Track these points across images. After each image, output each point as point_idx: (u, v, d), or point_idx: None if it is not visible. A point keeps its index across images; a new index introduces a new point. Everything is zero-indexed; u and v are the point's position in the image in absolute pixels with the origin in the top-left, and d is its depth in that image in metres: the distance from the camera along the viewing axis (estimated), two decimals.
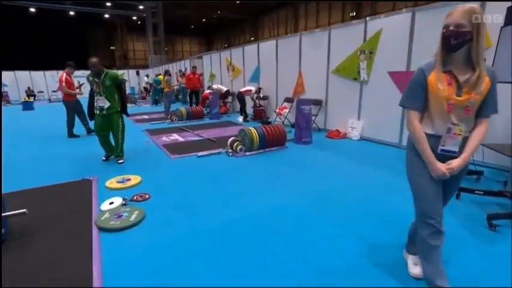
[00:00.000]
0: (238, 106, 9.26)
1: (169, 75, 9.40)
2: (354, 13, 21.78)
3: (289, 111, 7.44)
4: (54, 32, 29.50)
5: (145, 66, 27.15)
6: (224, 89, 9.87)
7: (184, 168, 4.38)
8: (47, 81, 19.60)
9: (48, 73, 19.76)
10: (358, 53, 5.73)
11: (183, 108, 8.71)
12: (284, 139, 5.32)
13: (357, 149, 5.38)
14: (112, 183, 3.70)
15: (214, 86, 9.81)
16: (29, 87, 18.57)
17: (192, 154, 5.00)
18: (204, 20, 35.52)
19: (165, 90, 9.50)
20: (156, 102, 13.64)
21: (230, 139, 5.08)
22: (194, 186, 3.65)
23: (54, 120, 9.89)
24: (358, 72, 5.79)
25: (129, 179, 3.81)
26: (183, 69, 14.67)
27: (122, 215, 2.82)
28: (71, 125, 6.78)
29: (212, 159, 4.78)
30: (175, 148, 5.46)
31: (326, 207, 2.97)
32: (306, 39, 7.00)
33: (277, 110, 7.48)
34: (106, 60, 37.21)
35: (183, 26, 37.82)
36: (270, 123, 7.85)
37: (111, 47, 37.82)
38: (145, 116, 10.07)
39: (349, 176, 3.86)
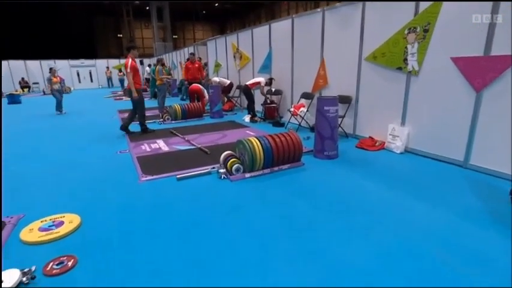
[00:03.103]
0: (246, 102, 7.98)
1: (163, 65, 8.19)
2: None
3: (307, 110, 6.08)
4: (53, 18, 28.76)
5: (152, 55, 26.24)
6: (227, 81, 8.60)
7: (152, 199, 3.16)
8: (43, 71, 18.91)
9: (44, 63, 19.09)
10: (406, 32, 4.29)
11: (177, 105, 7.49)
12: (300, 153, 4.00)
13: (403, 168, 3.99)
14: (31, 231, 2.52)
15: (216, 79, 8.57)
16: (23, 78, 17.95)
17: (171, 174, 3.77)
18: (216, 4, 34.20)
19: (157, 82, 8.31)
20: (155, 95, 12.50)
21: (223, 154, 3.80)
22: (156, 238, 2.41)
23: (34, 116, 8.95)
24: (405, 59, 4.35)
25: (60, 223, 2.62)
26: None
27: None
28: (130, 119, 6.17)
29: (196, 184, 3.53)
30: (152, 163, 4.25)
31: None
32: (330, 16, 5.57)
33: (292, 109, 6.13)
34: (114, 48, 36.67)
35: (194, 12, 36.61)
36: (283, 124, 6.57)
37: (119, 35, 37.15)
38: None
39: (403, 225, 2.50)
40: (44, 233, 2.48)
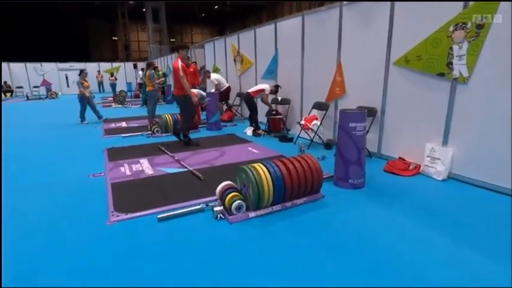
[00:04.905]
0: (247, 112, 7.21)
1: (155, 68, 7.46)
2: None
3: (321, 123, 5.29)
4: (42, 20, 28.03)
5: (147, 58, 25.57)
6: (226, 84, 7.89)
7: (121, 252, 2.34)
8: (28, 74, 18.17)
9: (30, 65, 18.34)
10: (451, 30, 3.52)
11: (168, 116, 6.67)
12: (319, 183, 3.20)
13: (452, 201, 3.18)
14: None
15: (214, 76, 7.91)
16: (5, 82, 17.19)
17: (151, 211, 2.96)
18: (216, 7, 33.74)
19: (147, 88, 7.56)
20: (146, 102, 11.75)
21: (220, 186, 3.00)
22: None
23: (7, 125, 8.03)
24: (449, 63, 3.58)
25: None
26: None
27: None
28: (186, 125, 5.71)
29: (184, 226, 2.72)
30: (130, 193, 3.44)
31: None
32: (349, 12, 4.82)
33: (303, 122, 5.34)
34: (108, 52, 36.12)
35: (192, 15, 36.08)
36: (291, 139, 5.78)
37: (113, 38, 36.63)
38: (124, 124, 8.14)
39: None
40: None
